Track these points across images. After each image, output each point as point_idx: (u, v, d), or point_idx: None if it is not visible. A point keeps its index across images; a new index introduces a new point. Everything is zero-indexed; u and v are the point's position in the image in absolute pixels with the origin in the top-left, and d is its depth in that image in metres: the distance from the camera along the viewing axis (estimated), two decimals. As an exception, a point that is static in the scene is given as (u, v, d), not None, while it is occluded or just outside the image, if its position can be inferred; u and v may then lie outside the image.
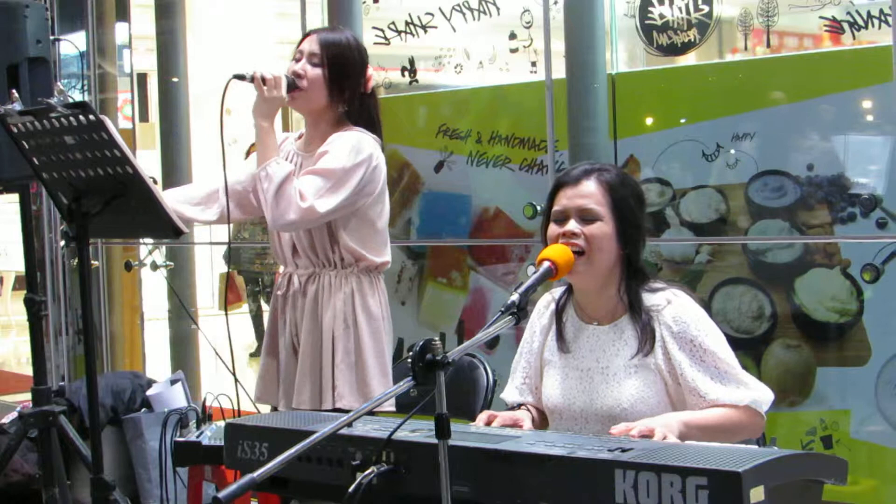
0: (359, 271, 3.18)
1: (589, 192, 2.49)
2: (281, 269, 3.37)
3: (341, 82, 3.18)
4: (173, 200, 3.19)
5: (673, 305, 2.49)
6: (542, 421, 2.66)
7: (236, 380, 3.35)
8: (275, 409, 3.29)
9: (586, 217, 2.48)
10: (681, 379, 2.45)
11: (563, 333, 2.60)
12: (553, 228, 2.51)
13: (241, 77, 3.15)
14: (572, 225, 2.47)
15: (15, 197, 3.97)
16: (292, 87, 3.17)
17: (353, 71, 3.20)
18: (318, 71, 3.17)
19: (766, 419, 2.49)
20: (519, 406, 2.66)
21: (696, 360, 2.44)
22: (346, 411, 3.02)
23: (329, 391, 3.14)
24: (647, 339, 2.48)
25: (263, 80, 3.12)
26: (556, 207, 2.53)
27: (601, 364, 2.52)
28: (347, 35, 3.27)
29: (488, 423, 2.46)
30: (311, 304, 3.18)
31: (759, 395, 2.45)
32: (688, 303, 2.51)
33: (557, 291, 2.67)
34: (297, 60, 3.20)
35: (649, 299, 2.51)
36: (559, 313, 2.63)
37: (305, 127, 3.32)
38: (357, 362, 3.15)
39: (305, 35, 3.26)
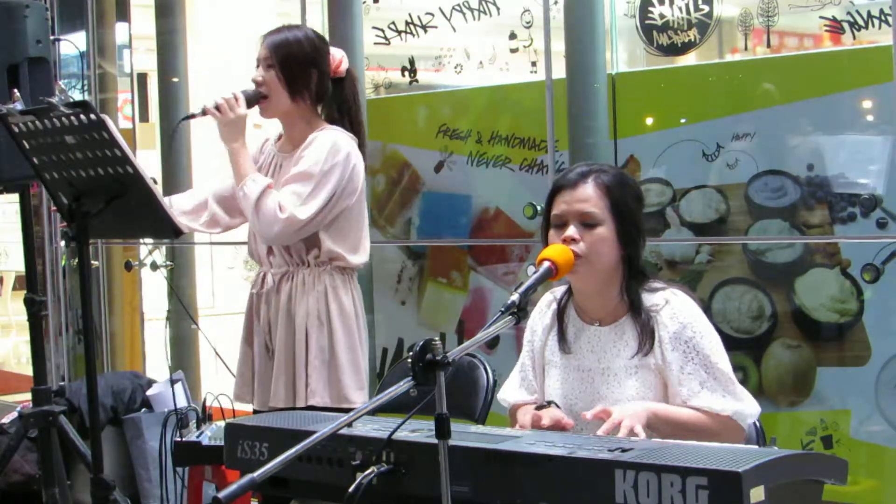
0: (332, 269, 3.20)
1: (587, 196, 2.48)
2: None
3: (296, 79, 3.18)
4: None
5: (671, 305, 2.49)
6: None
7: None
8: (256, 411, 3.30)
9: (586, 222, 2.47)
10: (668, 378, 2.45)
11: (564, 334, 2.60)
12: (553, 234, 2.50)
13: (190, 117, 3.18)
14: (572, 230, 2.46)
15: (15, 197, 3.96)
16: (255, 98, 3.18)
17: (306, 64, 3.19)
18: (272, 73, 3.18)
19: (746, 432, 2.48)
20: (545, 404, 2.59)
21: (688, 362, 2.44)
22: (319, 408, 3.04)
23: (302, 388, 3.15)
24: (646, 338, 2.47)
25: (218, 108, 3.12)
26: (554, 212, 2.51)
27: (602, 364, 2.52)
28: (297, 31, 3.26)
29: (535, 423, 2.43)
30: (286, 302, 3.20)
31: (745, 407, 2.44)
32: (686, 303, 2.50)
33: (559, 291, 2.67)
34: (257, 68, 3.22)
35: (648, 299, 2.51)
36: (560, 313, 2.63)
37: (282, 127, 3.32)
38: (330, 359, 3.17)
39: (261, 41, 3.25)
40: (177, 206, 3.31)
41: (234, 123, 3.14)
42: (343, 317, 3.19)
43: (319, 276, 3.19)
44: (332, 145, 3.13)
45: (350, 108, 3.27)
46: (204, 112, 3.15)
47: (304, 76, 3.19)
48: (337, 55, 3.26)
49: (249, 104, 3.18)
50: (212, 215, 3.35)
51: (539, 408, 2.51)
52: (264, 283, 3.26)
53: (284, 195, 3.08)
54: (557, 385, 2.58)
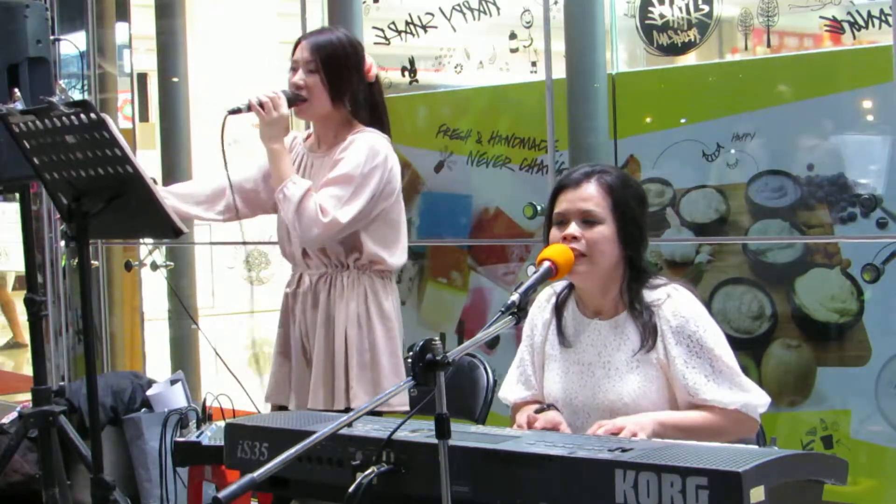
0: (372, 272, 3.17)
1: (589, 195, 2.50)
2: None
3: (340, 83, 3.15)
4: (176, 197, 3.19)
5: (673, 300, 2.49)
6: None
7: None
8: (279, 408, 3.27)
9: (587, 220, 2.48)
10: (673, 373, 2.45)
11: (563, 328, 2.60)
12: (554, 232, 2.51)
13: (236, 111, 3.10)
14: (573, 228, 2.47)
15: (15, 197, 3.97)
16: (294, 100, 3.15)
17: (349, 68, 3.17)
18: (315, 77, 3.14)
19: (759, 422, 2.48)
20: (548, 406, 2.59)
21: (692, 356, 2.44)
22: None
23: (342, 391, 3.11)
24: (649, 334, 2.48)
25: (261, 105, 3.10)
26: (556, 210, 2.53)
27: (603, 359, 2.52)
28: (338, 34, 3.22)
29: (530, 424, 2.45)
30: (325, 305, 3.16)
31: (753, 398, 2.44)
32: (688, 298, 2.51)
33: (559, 285, 2.67)
34: (294, 70, 3.17)
35: (650, 295, 2.52)
36: (559, 307, 2.63)
37: (313, 128, 3.30)
38: (371, 363, 3.13)
39: (297, 42, 3.21)
40: (190, 193, 3.27)
41: (277, 123, 3.10)
42: (383, 319, 3.15)
43: (359, 279, 3.15)
44: (370, 148, 3.10)
45: (382, 114, 3.25)
46: (249, 108, 3.12)
47: (348, 80, 3.16)
48: (368, 59, 3.25)
49: (290, 105, 3.15)
50: (228, 205, 3.32)
51: (539, 410, 2.52)
52: (300, 284, 3.21)
53: (323, 198, 3.03)
54: (558, 379, 2.58)
